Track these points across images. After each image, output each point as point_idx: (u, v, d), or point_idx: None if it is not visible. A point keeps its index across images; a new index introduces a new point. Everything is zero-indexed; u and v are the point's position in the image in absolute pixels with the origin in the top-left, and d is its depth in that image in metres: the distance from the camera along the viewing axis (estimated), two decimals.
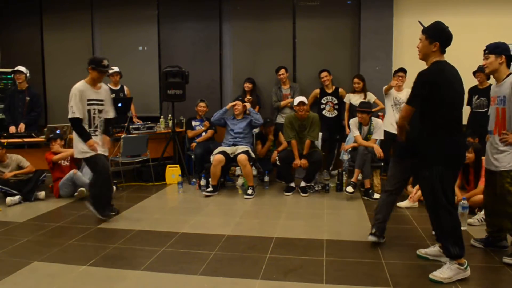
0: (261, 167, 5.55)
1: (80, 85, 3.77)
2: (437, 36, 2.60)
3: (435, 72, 2.60)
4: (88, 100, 3.78)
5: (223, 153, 4.92)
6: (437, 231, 2.78)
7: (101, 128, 3.93)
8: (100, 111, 3.91)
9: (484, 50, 2.91)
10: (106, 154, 4.01)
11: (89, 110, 3.80)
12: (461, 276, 2.55)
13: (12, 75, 5.87)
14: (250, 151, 5.03)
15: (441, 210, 2.60)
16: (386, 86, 5.29)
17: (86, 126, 3.80)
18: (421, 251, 2.98)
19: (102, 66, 3.77)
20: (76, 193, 4.74)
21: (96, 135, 3.88)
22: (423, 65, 2.71)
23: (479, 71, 4.84)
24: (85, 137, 3.78)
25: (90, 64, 3.76)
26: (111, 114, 4.04)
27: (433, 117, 2.59)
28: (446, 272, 2.55)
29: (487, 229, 3.12)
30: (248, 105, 5.43)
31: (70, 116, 3.71)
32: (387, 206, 3.17)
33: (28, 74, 5.71)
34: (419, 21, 2.78)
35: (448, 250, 2.59)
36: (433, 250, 2.93)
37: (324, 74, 5.80)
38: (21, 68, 5.66)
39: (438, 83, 2.54)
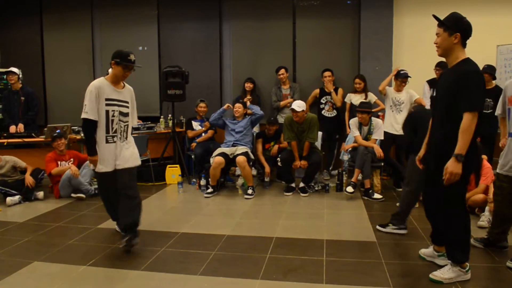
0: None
1: (98, 82, 3.19)
2: (457, 26, 2.40)
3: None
4: (107, 99, 3.17)
5: (222, 154, 4.91)
6: (437, 236, 2.75)
7: (124, 135, 3.32)
8: (124, 115, 3.28)
9: None
10: (126, 166, 3.28)
11: (107, 112, 3.17)
12: (461, 278, 2.54)
13: (5, 77, 5.88)
14: (249, 152, 5.02)
15: (454, 216, 2.49)
16: (380, 87, 5.13)
17: (103, 131, 3.19)
18: (421, 252, 2.97)
19: (128, 61, 3.19)
20: (73, 194, 4.75)
21: (114, 141, 3.24)
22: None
23: (484, 72, 4.56)
24: (89, 149, 3.20)
25: (114, 58, 3.18)
26: (134, 121, 3.42)
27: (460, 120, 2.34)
28: (447, 273, 2.54)
29: (493, 230, 3.08)
30: (247, 103, 5.43)
31: (82, 115, 3.13)
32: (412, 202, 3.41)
33: (20, 75, 5.71)
34: (434, 15, 2.54)
35: (453, 256, 2.54)
36: (429, 251, 2.91)
37: (327, 73, 5.79)
38: (13, 69, 5.67)
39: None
